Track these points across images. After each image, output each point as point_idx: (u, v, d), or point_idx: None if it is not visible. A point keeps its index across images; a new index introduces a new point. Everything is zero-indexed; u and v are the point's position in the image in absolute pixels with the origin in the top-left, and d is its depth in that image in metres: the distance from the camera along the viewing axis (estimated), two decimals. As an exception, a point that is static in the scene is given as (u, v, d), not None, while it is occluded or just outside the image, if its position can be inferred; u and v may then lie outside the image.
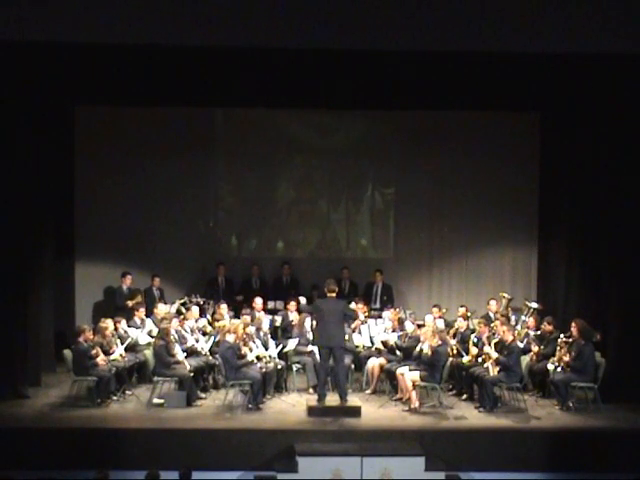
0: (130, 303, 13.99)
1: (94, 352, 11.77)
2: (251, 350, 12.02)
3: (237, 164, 15.74)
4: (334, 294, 11.77)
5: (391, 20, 10.73)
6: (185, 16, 10.62)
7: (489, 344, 11.99)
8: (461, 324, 12.96)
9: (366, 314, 13.61)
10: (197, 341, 12.74)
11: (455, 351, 12.35)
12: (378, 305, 14.62)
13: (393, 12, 10.70)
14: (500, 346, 11.85)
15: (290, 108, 14.98)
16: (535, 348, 12.48)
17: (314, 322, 12.23)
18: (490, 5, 10.73)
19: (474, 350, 12.21)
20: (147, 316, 13.50)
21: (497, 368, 11.69)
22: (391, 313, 13.32)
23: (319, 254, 15.87)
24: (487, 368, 11.78)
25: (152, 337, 12.75)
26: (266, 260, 15.56)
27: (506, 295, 14.05)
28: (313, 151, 15.80)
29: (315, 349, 12.54)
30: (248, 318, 12.80)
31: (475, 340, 12.36)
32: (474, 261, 15.75)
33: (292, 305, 13.72)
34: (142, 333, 12.93)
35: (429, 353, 11.71)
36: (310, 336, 12.71)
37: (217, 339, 12.69)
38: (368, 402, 11.96)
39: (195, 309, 13.38)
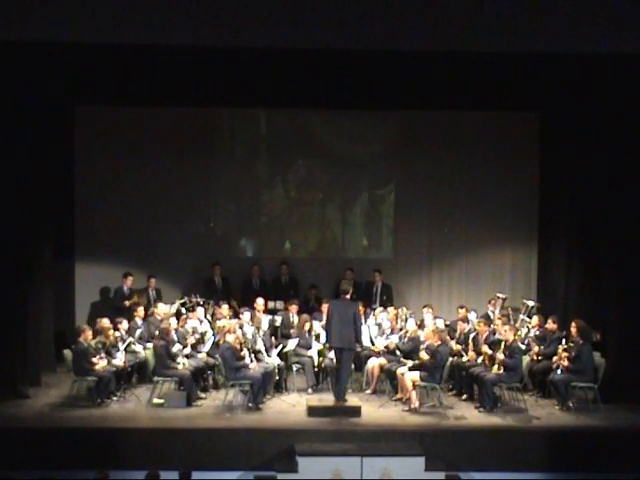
0: (127, 303, 13.98)
1: (95, 359, 11.76)
2: (250, 358, 12.00)
3: (237, 164, 15.74)
4: (347, 295, 11.78)
5: (391, 20, 10.73)
6: (185, 16, 10.63)
7: (487, 344, 12.00)
8: (462, 326, 12.95)
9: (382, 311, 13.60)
10: (196, 346, 12.73)
11: (455, 351, 12.37)
12: (378, 305, 14.60)
13: (394, 12, 10.70)
14: (503, 346, 11.82)
15: (290, 108, 15.00)
16: (536, 348, 12.47)
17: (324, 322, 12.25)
18: (490, 5, 10.74)
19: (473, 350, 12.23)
20: (145, 317, 13.48)
21: (500, 367, 11.66)
22: (389, 313, 13.30)
23: (320, 254, 15.87)
24: (486, 368, 11.78)
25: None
26: (265, 260, 15.55)
27: (500, 295, 14.01)
28: (314, 152, 15.77)
29: (314, 353, 12.58)
30: (246, 317, 12.81)
31: (473, 338, 12.40)
32: (474, 261, 15.74)
33: (293, 307, 13.68)
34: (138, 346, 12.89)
35: (427, 357, 11.69)
36: (308, 337, 12.79)
37: (217, 339, 12.69)
38: (368, 402, 11.96)
39: (200, 310, 13.36)
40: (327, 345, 12.24)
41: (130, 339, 12.60)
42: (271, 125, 15.73)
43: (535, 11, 10.76)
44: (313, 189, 15.87)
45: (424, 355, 11.69)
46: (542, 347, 12.47)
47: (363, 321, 13.28)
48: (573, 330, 11.95)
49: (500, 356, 11.69)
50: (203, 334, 13.00)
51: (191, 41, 10.90)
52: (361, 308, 13.41)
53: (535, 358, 12.42)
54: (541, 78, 12.84)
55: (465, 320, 13.12)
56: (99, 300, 15.03)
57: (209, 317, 13.54)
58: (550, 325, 12.62)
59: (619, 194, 12.61)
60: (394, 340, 12.67)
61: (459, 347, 12.50)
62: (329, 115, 15.48)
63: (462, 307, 13.69)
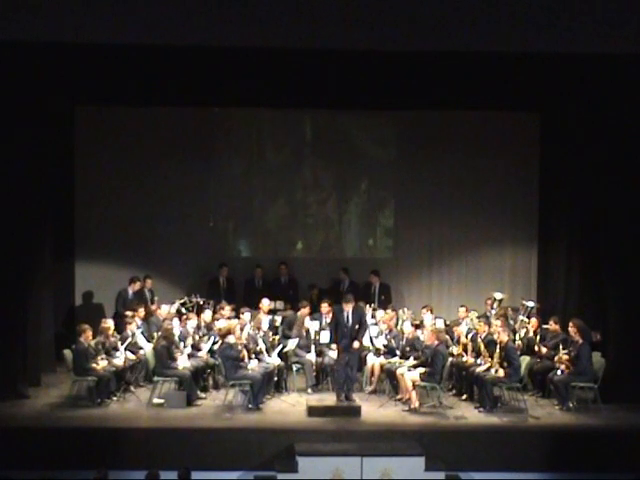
0: (129, 313, 13.79)
1: (98, 358, 11.77)
2: (250, 358, 12.00)
3: (237, 165, 15.73)
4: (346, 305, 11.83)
5: (391, 20, 10.73)
6: (185, 16, 10.63)
7: (485, 344, 12.02)
8: (459, 331, 12.92)
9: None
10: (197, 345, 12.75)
11: (455, 351, 12.39)
12: (376, 305, 14.56)
13: (393, 12, 10.70)
14: (498, 348, 11.82)
15: (290, 108, 14.99)
16: (544, 349, 12.45)
17: None
18: (491, 5, 10.75)
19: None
20: (145, 317, 13.45)
21: (501, 370, 11.66)
22: (385, 315, 13.28)
23: (322, 254, 15.87)
24: (483, 364, 11.81)
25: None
26: (265, 261, 15.55)
27: (496, 296, 13.97)
28: (317, 152, 15.78)
29: (312, 356, 12.65)
30: (246, 318, 12.81)
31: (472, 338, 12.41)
32: (474, 261, 15.75)
33: (305, 312, 13.34)
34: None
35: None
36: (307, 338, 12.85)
37: (216, 339, 12.68)
38: (368, 402, 11.96)
39: (208, 314, 13.31)
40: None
41: (129, 339, 12.60)
42: (274, 126, 15.72)
43: (535, 11, 10.76)
44: (317, 190, 15.86)
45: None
46: (547, 347, 12.47)
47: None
48: (571, 330, 11.98)
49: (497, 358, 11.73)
50: (204, 334, 13.01)
51: (191, 41, 10.91)
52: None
53: (539, 359, 12.42)
54: (541, 78, 12.83)
55: (459, 324, 13.09)
56: (99, 301, 15.02)
57: (207, 319, 13.48)
58: (552, 326, 12.60)
59: (619, 194, 12.61)
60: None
61: (460, 349, 12.48)
62: (330, 115, 15.50)
63: (462, 306, 13.68)
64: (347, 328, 11.66)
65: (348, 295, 12.07)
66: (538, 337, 12.73)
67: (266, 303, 13.58)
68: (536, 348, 12.52)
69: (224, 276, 14.98)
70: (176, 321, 12.78)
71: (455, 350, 12.48)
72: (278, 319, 13.72)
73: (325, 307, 13.20)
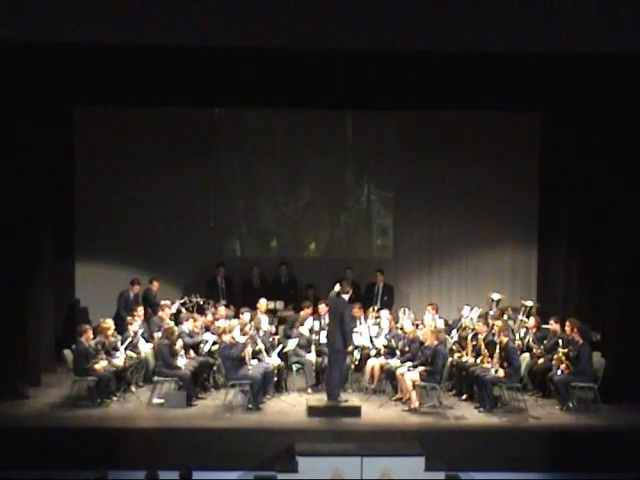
0: (130, 319, 13.78)
1: (98, 358, 11.78)
2: (250, 358, 12.01)
3: (242, 165, 15.74)
4: (345, 295, 11.73)
5: (391, 20, 10.74)
6: (185, 16, 10.63)
7: (485, 344, 12.02)
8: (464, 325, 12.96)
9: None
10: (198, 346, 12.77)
11: (455, 350, 12.41)
12: (379, 306, 14.56)
13: (393, 12, 10.71)
14: (498, 348, 11.82)
15: (290, 108, 14.98)
16: (536, 350, 12.47)
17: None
18: (490, 5, 10.75)
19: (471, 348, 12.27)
20: (145, 319, 13.44)
21: (501, 370, 11.67)
22: (388, 314, 13.28)
23: (321, 255, 15.86)
24: (486, 367, 11.81)
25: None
26: (264, 260, 15.55)
27: (493, 297, 13.94)
28: (314, 152, 15.79)
29: (313, 356, 12.64)
30: (246, 317, 12.81)
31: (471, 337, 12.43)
32: (474, 261, 15.75)
33: (307, 312, 13.32)
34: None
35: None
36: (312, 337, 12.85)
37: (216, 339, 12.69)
38: (368, 402, 11.96)
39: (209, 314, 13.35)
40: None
41: (130, 339, 12.59)
42: (274, 125, 15.73)
43: (535, 11, 10.77)
44: (319, 190, 15.86)
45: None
46: (541, 348, 12.46)
47: (361, 322, 13.23)
48: (568, 329, 12.01)
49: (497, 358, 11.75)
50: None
51: (191, 41, 10.92)
52: (357, 310, 13.33)
53: (536, 360, 12.42)
54: (541, 78, 12.84)
55: (465, 328, 13.11)
56: (99, 301, 15.01)
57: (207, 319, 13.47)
58: (553, 326, 12.60)
59: (619, 194, 12.61)
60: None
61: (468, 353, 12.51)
62: (331, 116, 15.49)
63: (467, 305, 13.63)
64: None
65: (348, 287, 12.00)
66: (533, 337, 12.71)
67: (264, 303, 13.57)
68: (534, 349, 12.53)
69: (221, 276, 14.98)
70: (190, 323, 12.74)
71: (459, 355, 12.50)
72: (274, 316, 13.69)
73: (323, 308, 13.18)
